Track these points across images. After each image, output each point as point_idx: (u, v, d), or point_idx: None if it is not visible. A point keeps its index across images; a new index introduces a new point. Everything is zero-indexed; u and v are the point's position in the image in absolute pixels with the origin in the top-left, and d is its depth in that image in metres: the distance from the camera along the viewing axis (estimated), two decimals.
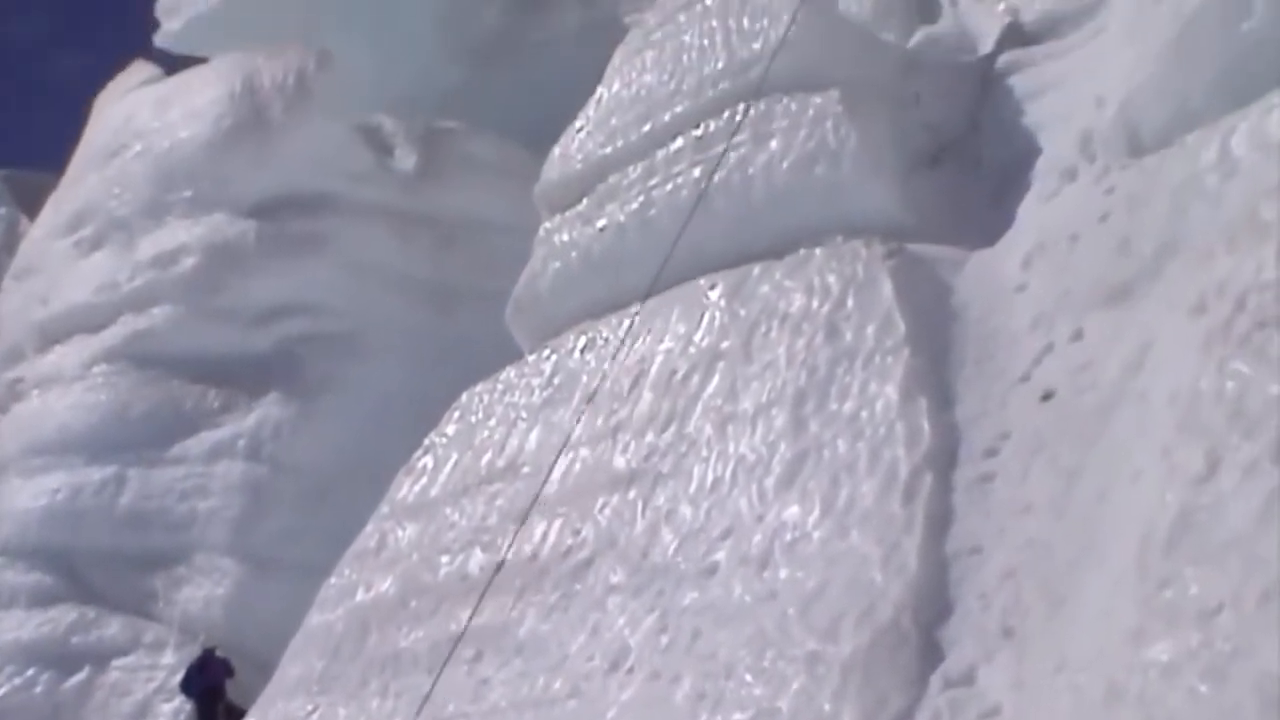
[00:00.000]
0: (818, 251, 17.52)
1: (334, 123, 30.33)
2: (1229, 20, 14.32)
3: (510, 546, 17.32)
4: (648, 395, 17.85)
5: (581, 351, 19.65)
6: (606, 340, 19.23)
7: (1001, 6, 20.64)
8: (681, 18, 21.09)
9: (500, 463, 19.55)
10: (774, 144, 18.61)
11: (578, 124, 21.79)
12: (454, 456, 20.59)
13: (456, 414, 21.31)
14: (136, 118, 32.85)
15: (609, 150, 20.84)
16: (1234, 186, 13.52)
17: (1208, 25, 14.56)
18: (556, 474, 17.80)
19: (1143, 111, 15.59)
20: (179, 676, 25.34)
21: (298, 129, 30.16)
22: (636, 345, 18.46)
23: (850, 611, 13.46)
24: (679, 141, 19.82)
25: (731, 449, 16.29)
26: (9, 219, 41.15)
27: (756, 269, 17.95)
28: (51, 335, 31.83)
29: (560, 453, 17.78)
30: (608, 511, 17.15)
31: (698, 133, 19.61)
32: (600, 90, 21.83)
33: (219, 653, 24.80)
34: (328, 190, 30.01)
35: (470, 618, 16.51)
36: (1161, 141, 15.20)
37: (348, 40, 33.49)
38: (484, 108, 32.75)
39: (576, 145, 21.51)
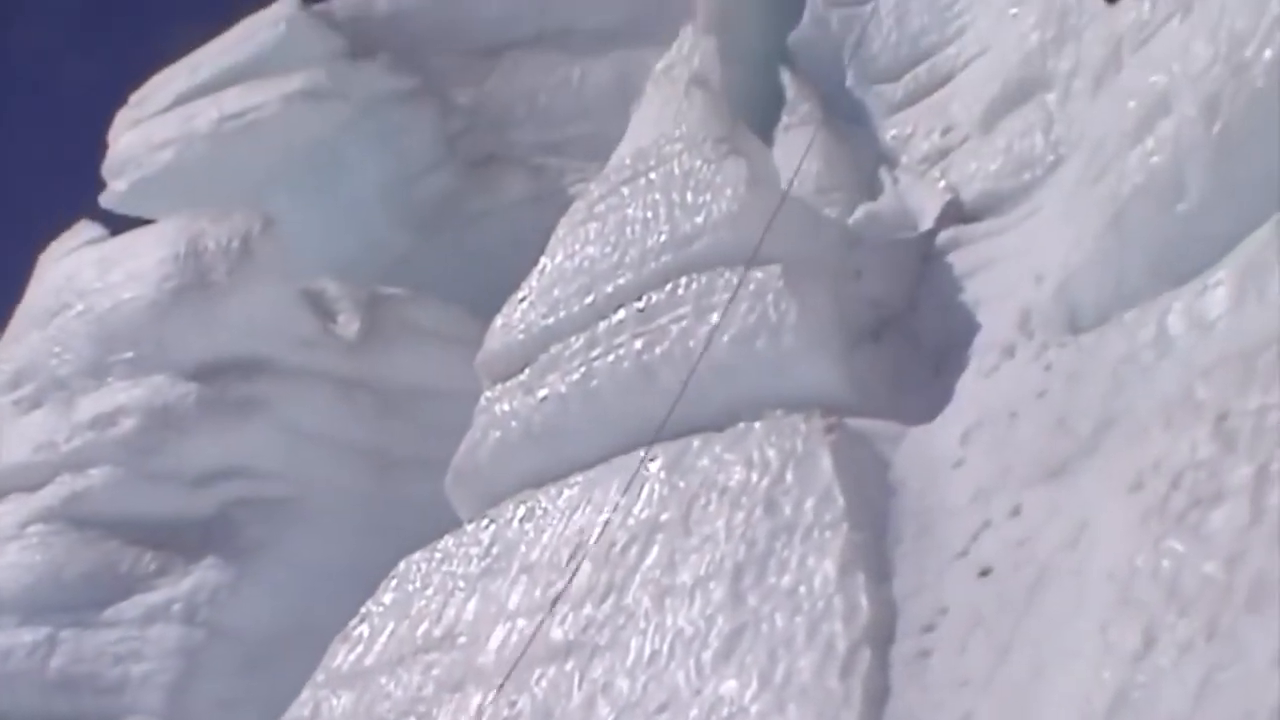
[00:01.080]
0: (757, 425, 17.59)
1: (278, 287, 30.33)
2: (1165, 201, 14.61)
3: (446, 718, 17.19)
4: (586, 566, 17.78)
5: (520, 521, 19.59)
6: (546, 510, 19.19)
7: (942, 184, 20.96)
8: (625, 190, 21.27)
9: (437, 632, 19.41)
10: (715, 317, 18.72)
11: (520, 294, 21.88)
12: (390, 625, 20.43)
13: (394, 582, 21.18)
14: (79, 277, 32.80)
15: (551, 321, 20.91)
16: (1170, 365, 13.71)
17: (1144, 205, 14.84)
18: (493, 644, 17.71)
19: (1081, 289, 15.81)
20: None
21: (241, 293, 30.13)
22: (575, 516, 18.44)
23: None
24: (621, 313, 19.91)
25: (669, 622, 16.22)
26: None
27: (696, 441, 17.98)
28: None
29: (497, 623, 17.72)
30: (544, 683, 17.02)
31: (640, 305, 19.71)
32: (543, 260, 21.95)
33: None
34: (270, 355, 29.94)
35: None
36: (1099, 319, 15.41)
37: (293, 205, 33.66)
38: (428, 275, 32.86)
39: (519, 315, 21.58)
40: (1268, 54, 13.96)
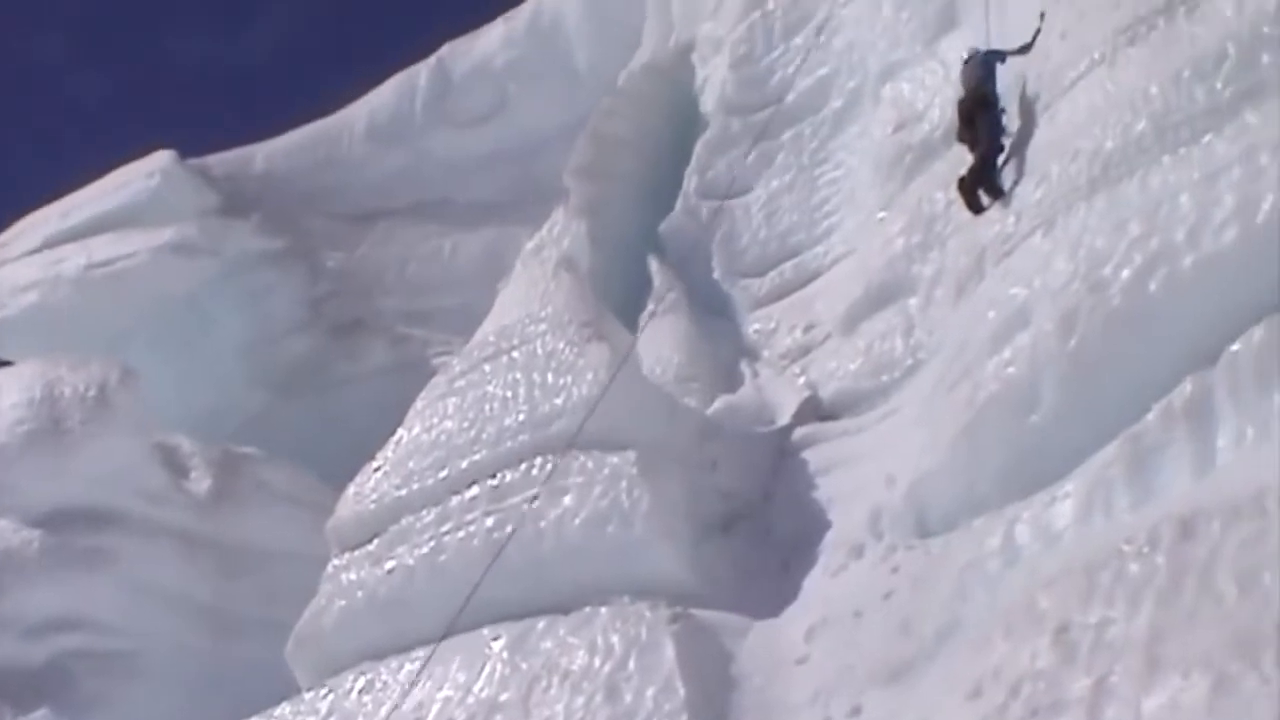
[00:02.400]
0: (603, 610, 17.50)
1: (131, 439, 30.02)
2: (1018, 411, 14.82)
3: None
4: None
5: (360, 693, 19.30)
6: (386, 684, 18.94)
7: (801, 381, 21.14)
8: (487, 367, 21.27)
9: None
10: (568, 500, 18.66)
11: (375, 463, 21.74)
12: None
13: None
14: None
15: (404, 492, 20.77)
16: (1015, 575, 13.83)
17: (998, 415, 15.04)
18: None
19: (931, 494, 15.96)
20: None
21: (94, 442, 29.78)
22: (415, 691, 18.21)
23: None
24: (474, 490, 19.81)
25: None
26: None
27: (541, 623, 17.86)
28: None
29: None
30: None
31: (494, 483, 19.63)
32: (401, 432, 21.84)
33: None
34: (118, 506, 29.55)
35: None
36: (948, 525, 15.55)
37: (154, 357, 33.49)
38: (284, 437, 32.69)
39: (372, 485, 21.42)
40: (1125, 274, 14.27)
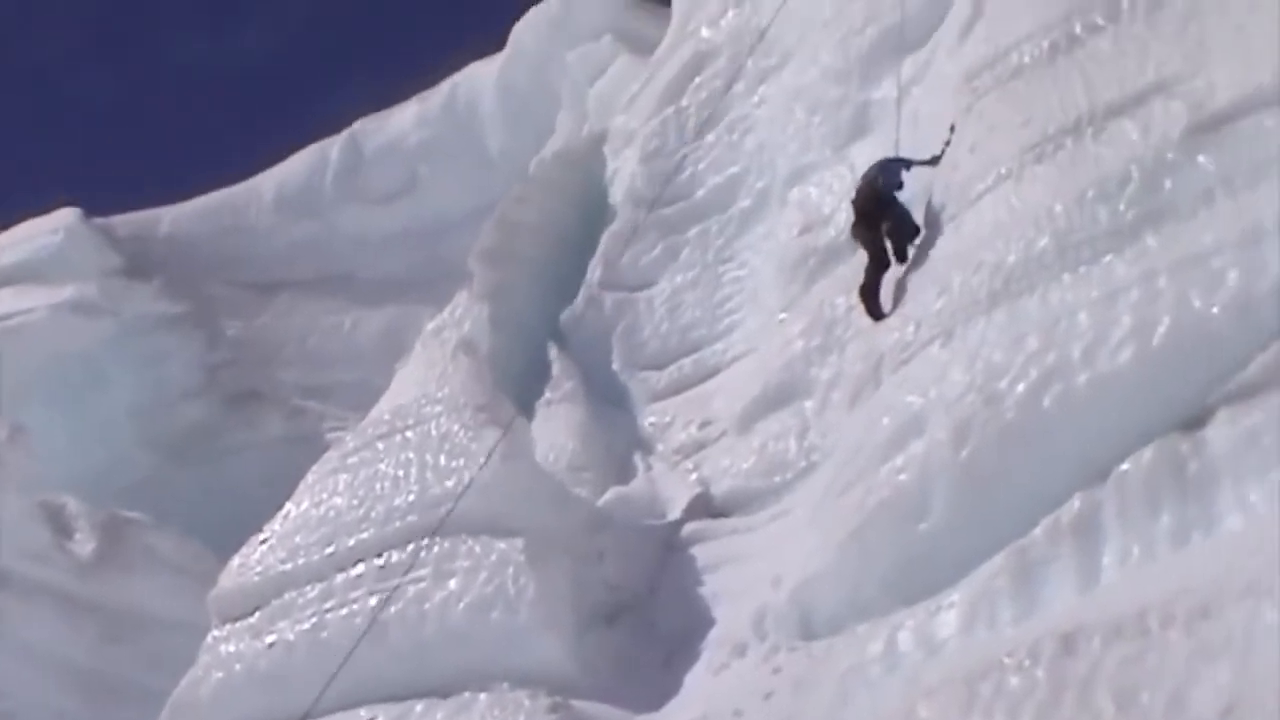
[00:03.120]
0: (483, 696, 17.40)
1: (18, 497, 29.68)
2: (907, 519, 14.89)
3: None
4: None
5: None
6: None
7: (694, 476, 21.14)
8: (380, 445, 21.19)
9: None
10: (453, 583, 18.57)
11: (262, 535, 21.55)
12: None
13: None
14: None
15: (289, 566, 20.59)
16: (896, 682, 13.87)
17: (887, 521, 15.12)
18: None
19: (816, 597, 15.97)
20: None
21: None
22: None
23: None
24: (360, 568, 19.67)
25: None
26: None
27: (419, 706, 17.74)
28: None
29: None
30: None
31: (380, 562, 19.50)
32: (289, 505, 21.70)
33: None
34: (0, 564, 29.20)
35: None
36: (832, 628, 15.56)
37: (47, 416, 33.19)
38: (173, 503, 32.45)
39: (257, 557, 21.23)
40: (1020, 388, 14.41)
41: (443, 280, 32.63)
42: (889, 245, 18.90)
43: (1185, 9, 16.74)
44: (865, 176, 19.41)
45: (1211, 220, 14.43)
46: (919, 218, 18.86)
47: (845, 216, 19.96)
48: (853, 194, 19.47)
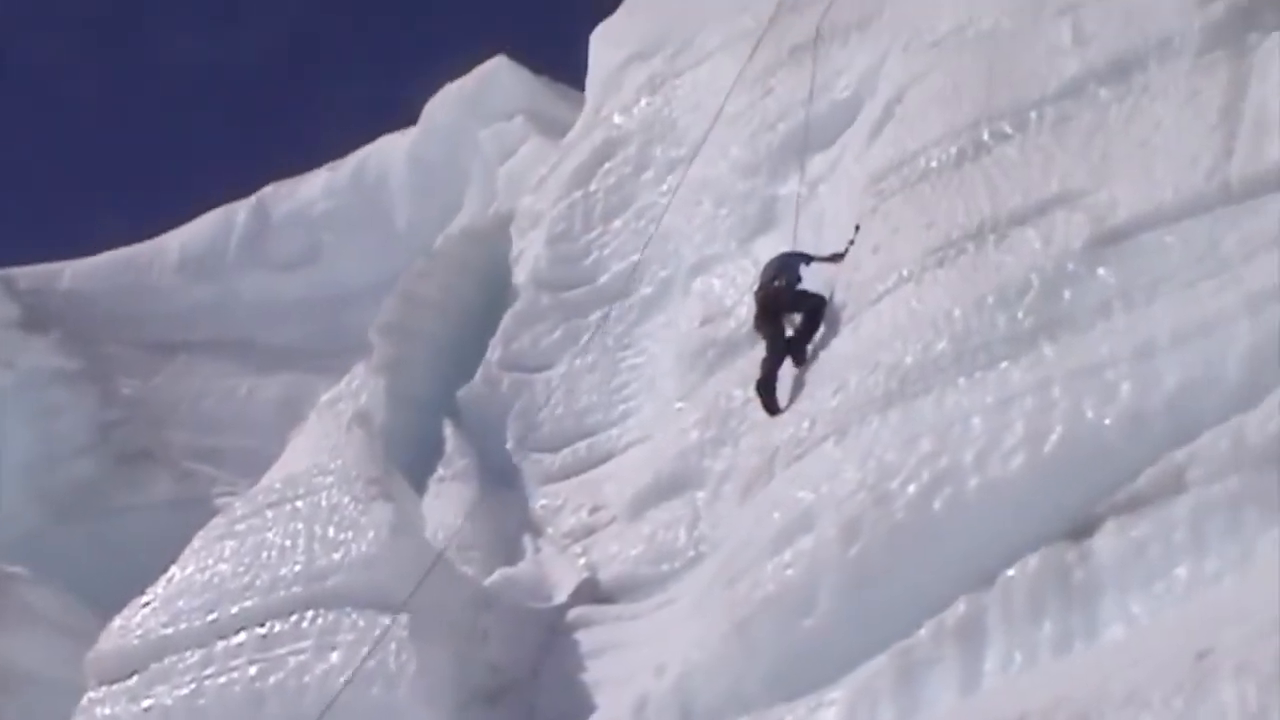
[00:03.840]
0: None
1: None
2: (792, 614, 14.93)
3: None
4: None
5: None
6: None
7: (582, 561, 21.11)
8: (269, 514, 21.05)
9: None
10: (335, 656, 18.43)
11: (145, 598, 21.31)
12: None
13: None
14: None
15: (170, 631, 20.38)
16: None
17: (772, 615, 15.13)
18: None
19: (699, 687, 15.94)
20: None
21: None
22: None
23: None
24: (241, 636, 19.49)
25: None
26: None
27: None
28: None
29: None
30: None
31: (262, 631, 19.34)
32: (174, 569, 21.48)
33: None
34: None
35: None
36: None
37: None
38: (57, 560, 32.00)
39: (139, 620, 20.99)
40: (911, 489, 14.49)
41: (342, 351, 32.54)
42: (791, 340, 18.95)
43: (1092, 123, 17.01)
44: (766, 270, 19.52)
45: (1108, 332, 14.61)
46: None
47: (746, 309, 20.05)
48: (755, 286, 19.57)
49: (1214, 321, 14.06)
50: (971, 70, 18.96)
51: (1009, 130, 17.63)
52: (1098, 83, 17.57)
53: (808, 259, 19.42)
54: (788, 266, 19.30)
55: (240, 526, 21.31)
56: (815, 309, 18.76)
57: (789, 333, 18.97)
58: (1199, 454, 13.35)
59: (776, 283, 19.15)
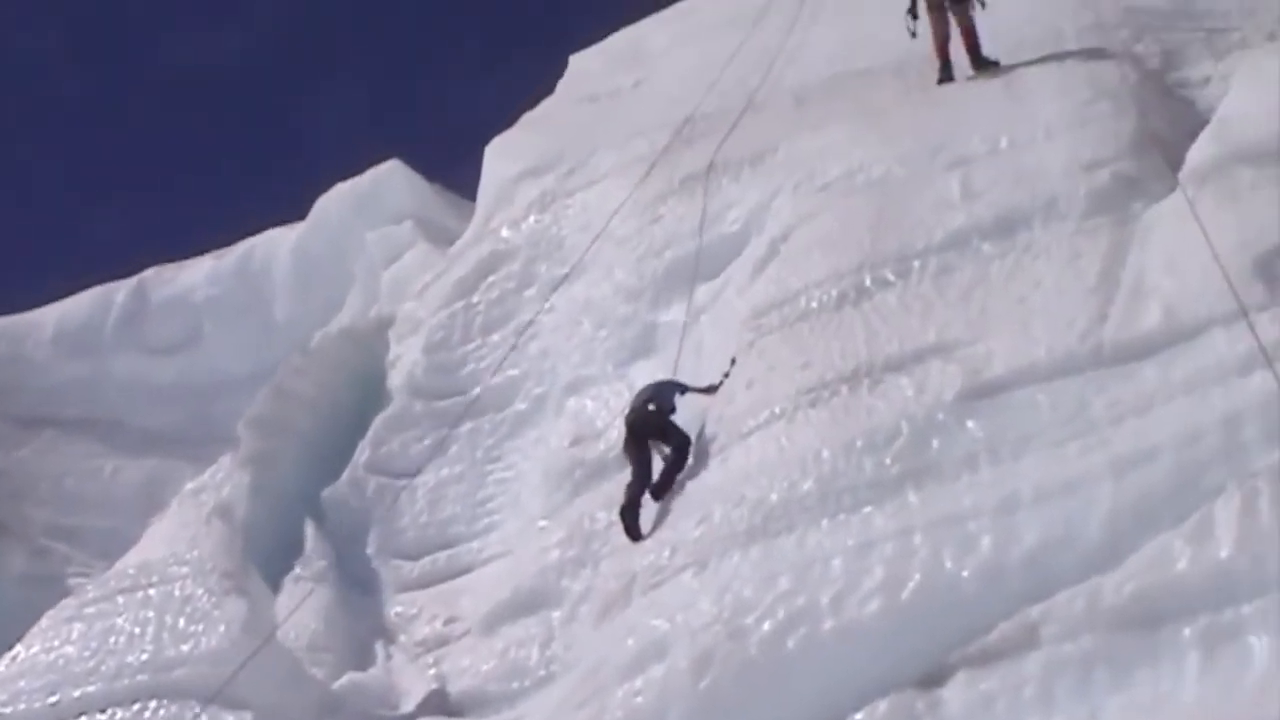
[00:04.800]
0: None
1: None
2: None
3: None
4: None
5: None
6: None
7: (433, 672, 20.90)
8: (121, 599, 20.79)
9: None
10: None
11: None
12: None
13: None
14: None
15: (9, 711, 19.95)
16: None
17: None
18: None
19: None
20: None
21: None
22: None
23: None
24: None
25: None
26: None
27: None
28: None
29: None
30: None
31: (103, 718, 19.04)
32: (19, 647, 21.15)
33: None
34: None
35: None
36: None
37: None
38: None
39: None
40: (766, 626, 14.50)
41: (210, 440, 32.27)
42: (658, 468, 18.97)
43: (973, 277, 17.27)
44: (640, 395, 19.56)
45: (972, 485, 14.76)
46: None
47: (617, 433, 20.07)
48: (627, 411, 19.60)
49: (1078, 482, 14.25)
50: (859, 215, 19.23)
51: (891, 277, 17.85)
52: (982, 237, 17.88)
53: (683, 389, 19.48)
54: (662, 394, 19.35)
55: (90, 610, 21.02)
56: (683, 444, 18.79)
57: (656, 461, 19.01)
58: (1054, 611, 13.48)
59: (650, 408, 19.18)
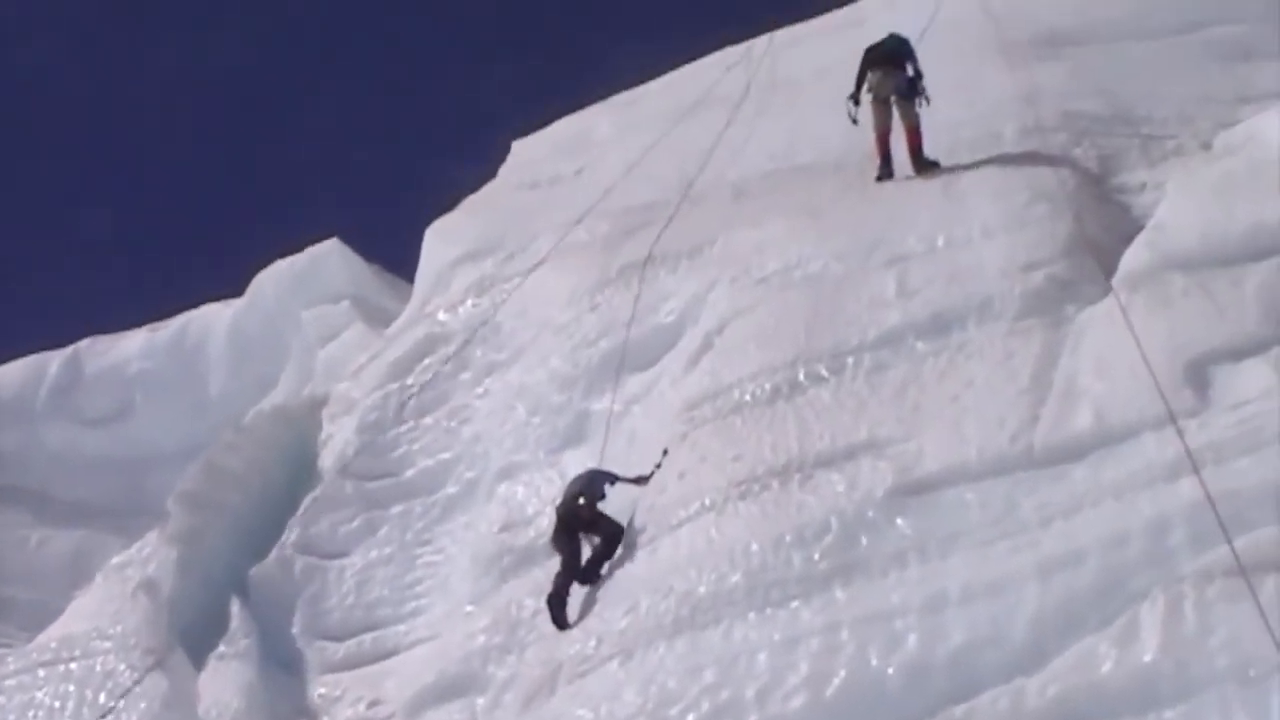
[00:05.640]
0: None
1: None
2: None
3: None
4: None
5: None
6: None
7: None
8: (41, 673, 20.69)
9: None
10: None
11: None
12: None
13: None
14: None
15: None
16: None
17: None
18: None
19: None
20: None
21: None
22: None
23: None
24: None
25: None
26: None
27: None
28: None
29: None
30: None
31: None
32: None
33: None
34: None
35: None
36: None
37: None
38: None
39: None
40: (690, 718, 14.46)
41: (139, 513, 32.13)
42: (587, 558, 18.93)
43: (906, 374, 17.37)
44: (572, 485, 19.53)
45: (900, 582, 14.78)
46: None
47: (547, 520, 20.02)
48: (558, 500, 19.57)
49: (1005, 582, 14.29)
50: (795, 310, 19.31)
51: (825, 373, 17.93)
52: (916, 335, 17.97)
53: (613, 479, 19.46)
54: (593, 484, 19.32)
55: (10, 682, 20.89)
56: (613, 535, 18.77)
57: (586, 551, 18.97)
58: (978, 712, 13.49)
59: (580, 499, 19.15)
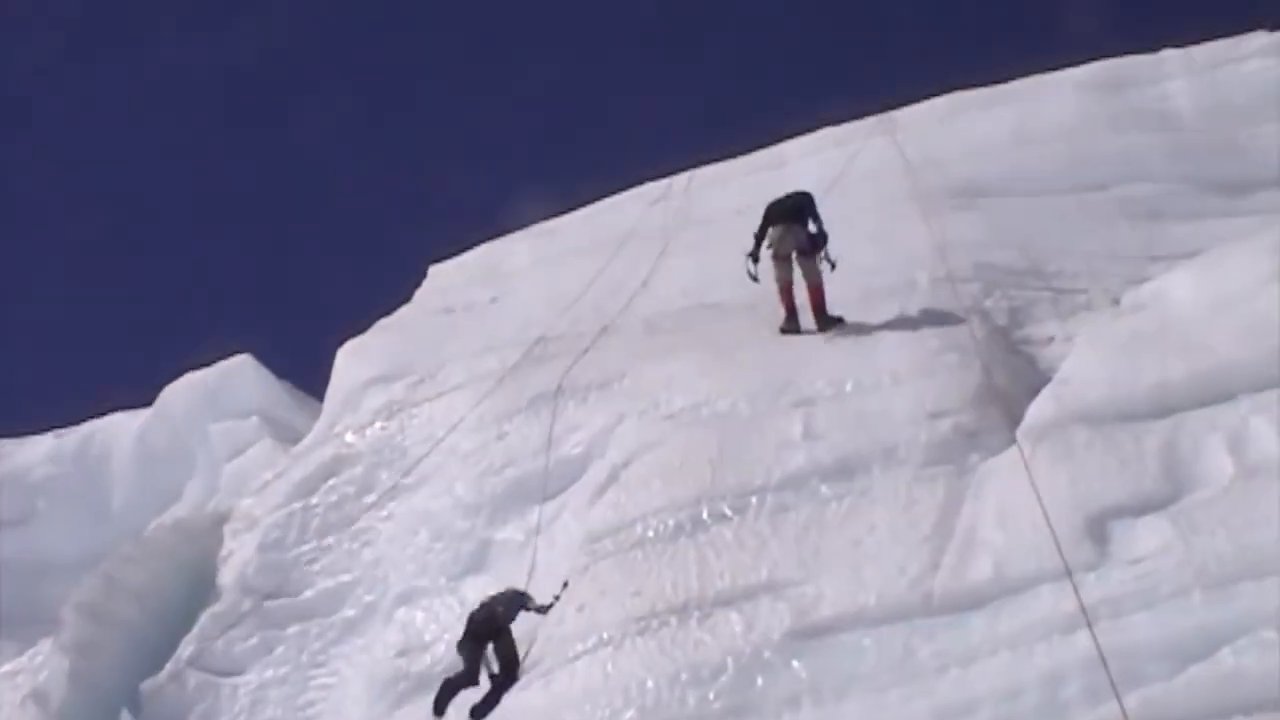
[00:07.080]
0: None
1: None
2: None
3: None
4: None
5: None
6: None
7: None
8: None
9: None
10: None
11: None
12: None
13: None
14: None
15: None
16: None
17: None
18: None
19: None
20: None
21: None
22: None
23: None
24: None
25: None
26: None
27: None
28: None
29: None
30: None
31: None
32: None
33: None
34: None
35: None
36: None
37: None
38: None
39: None
40: None
41: (32, 621, 31.61)
42: (486, 690, 18.86)
43: (809, 517, 17.43)
44: (493, 600, 19.47)
45: None
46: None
47: (445, 648, 19.90)
48: (475, 607, 19.49)
49: None
50: (701, 447, 19.36)
51: (728, 512, 17.96)
52: (820, 478, 18.05)
53: (527, 605, 19.43)
54: (511, 605, 19.31)
55: None
56: (513, 661, 18.73)
57: (487, 671, 18.91)
58: None
59: (499, 609, 19.14)
